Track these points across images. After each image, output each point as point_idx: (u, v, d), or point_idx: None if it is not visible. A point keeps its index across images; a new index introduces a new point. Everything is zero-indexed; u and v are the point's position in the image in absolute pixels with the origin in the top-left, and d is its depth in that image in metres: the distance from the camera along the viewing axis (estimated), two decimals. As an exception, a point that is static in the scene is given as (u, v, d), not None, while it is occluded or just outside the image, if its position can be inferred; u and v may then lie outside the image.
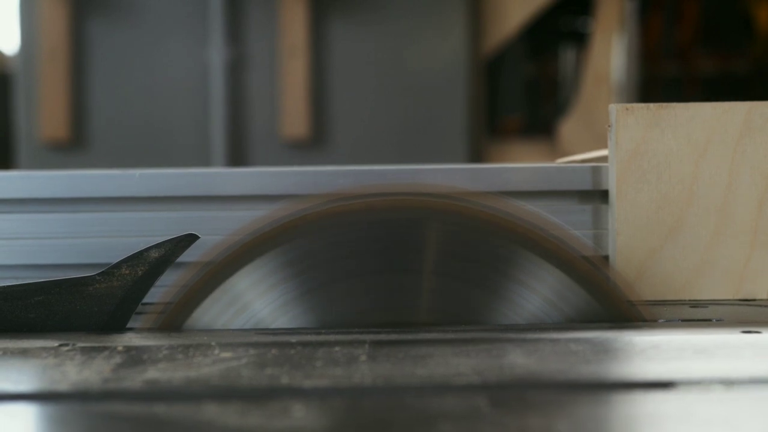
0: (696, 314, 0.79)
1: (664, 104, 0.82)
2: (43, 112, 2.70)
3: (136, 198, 0.81)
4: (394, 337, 0.70)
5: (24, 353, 0.66)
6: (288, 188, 0.82)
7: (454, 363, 0.62)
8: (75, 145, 2.72)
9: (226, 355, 0.64)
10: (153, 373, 0.60)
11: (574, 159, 0.91)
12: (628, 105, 0.82)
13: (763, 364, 0.63)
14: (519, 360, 0.63)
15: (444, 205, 0.76)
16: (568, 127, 2.83)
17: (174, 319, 0.74)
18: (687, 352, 0.65)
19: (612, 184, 0.82)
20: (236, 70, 2.72)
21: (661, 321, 0.76)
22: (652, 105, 0.82)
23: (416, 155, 2.69)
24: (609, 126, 0.83)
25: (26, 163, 2.72)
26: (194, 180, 0.82)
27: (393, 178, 0.82)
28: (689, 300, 0.83)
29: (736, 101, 0.83)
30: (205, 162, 2.70)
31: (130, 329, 0.74)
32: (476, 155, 2.75)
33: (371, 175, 0.82)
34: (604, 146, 0.84)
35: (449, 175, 0.83)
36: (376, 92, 2.74)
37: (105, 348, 0.67)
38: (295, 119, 2.71)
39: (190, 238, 0.74)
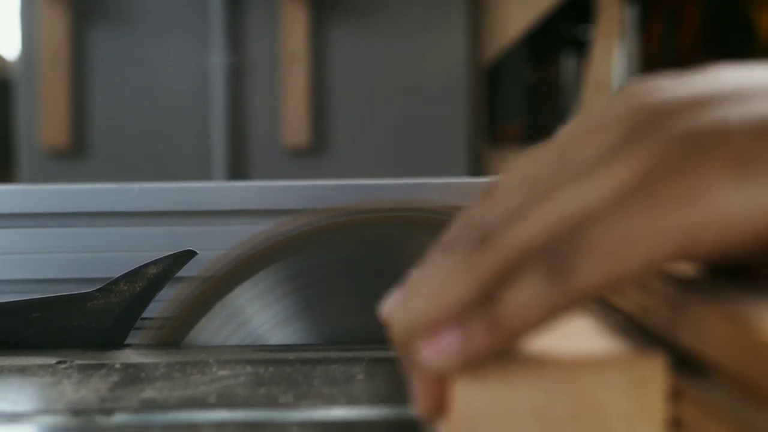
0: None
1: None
2: (44, 118, 2.70)
3: (134, 213, 0.81)
4: (392, 353, 0.70)
5: (22, 371, 0.66)
6: (288, 203, 0.81)
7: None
8: (75, 152, 2.72)
9: (224, 373, 0.64)
10: (150, 393, 0.60)
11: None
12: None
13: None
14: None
15: (441, 220, 0.76)
16: (569, 134, 2.83)
17: (172, 335, 0.74)
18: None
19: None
20: (237, 76, 2.73)
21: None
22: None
23: (417, 162, 2.69)
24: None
25: (27, 169, 2.72)
26: (193, 194, 0.82)
27: (392, 192, 0.82)
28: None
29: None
30: (206, 168, 2.70)
31: (129, 345, 0.74)
32: (477, 162, 2.75)
33: (370, 190, 0.82)
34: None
35: (447, 190, 0.83)
36: (377, 99, 2.75)
37: (103, 365, 0.67)
38: (295, 126, 2.71)
39: (188, 254, 0.75)
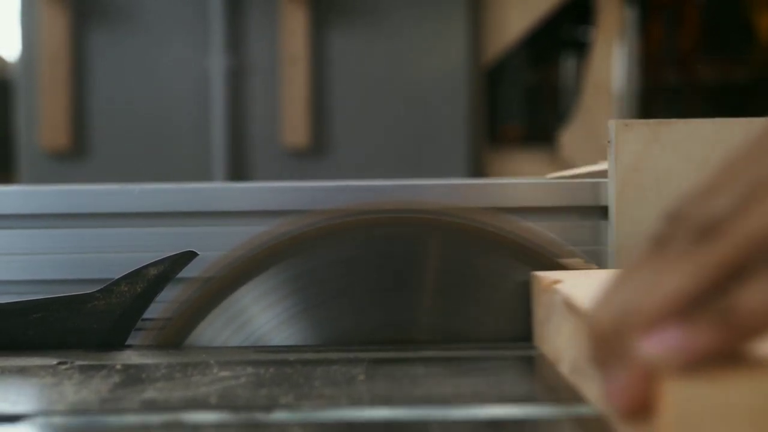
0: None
1: (664, 120, 0.82)
2: (44, 118, 2.70)
3: (135, 213, 0.81)
4: (392, 355, 0.70)
5: (22, 372, 0.66)
6: (288, 204, 0.81)
7: (452, 383, 0.62)
8: (75, 152, 2.72)
9: (225, 374, 0.64)
10: (151, 393, 0.60)
11: (567, 174, 0.91)
12: (628, 121, 0.82)
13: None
14: (518, 379, 0.63)
15: (443, 222, 0.76)
16: (569, 136, 2.83)
17: (174, 336, 0.74)
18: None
19: (612, 200, 0.82)
20: (237, 77, 2.73)
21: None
22: (651, 121, 0.82)
23: (417, 164, 2.69)
24: (609, 141, 0.83)
25: (27, 170, 2.72)
26: (194, 195, 0.82)
27: (393, 193, 0.82)
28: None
29: (735, 117, 0.83)
30: (206, 168, 2.70)
31: (129, 346, 0.74)
32: (477, 164, 2.75)
33: (371, 191, 0.82)
34: (605, 156, 0.84)
35: (449, 191, 0.83)
36: (376, 100, 2.75)
37: (103, 366, 0.67)
38: (295, 127, 2.71)
39: (189, 255, 0.75)
